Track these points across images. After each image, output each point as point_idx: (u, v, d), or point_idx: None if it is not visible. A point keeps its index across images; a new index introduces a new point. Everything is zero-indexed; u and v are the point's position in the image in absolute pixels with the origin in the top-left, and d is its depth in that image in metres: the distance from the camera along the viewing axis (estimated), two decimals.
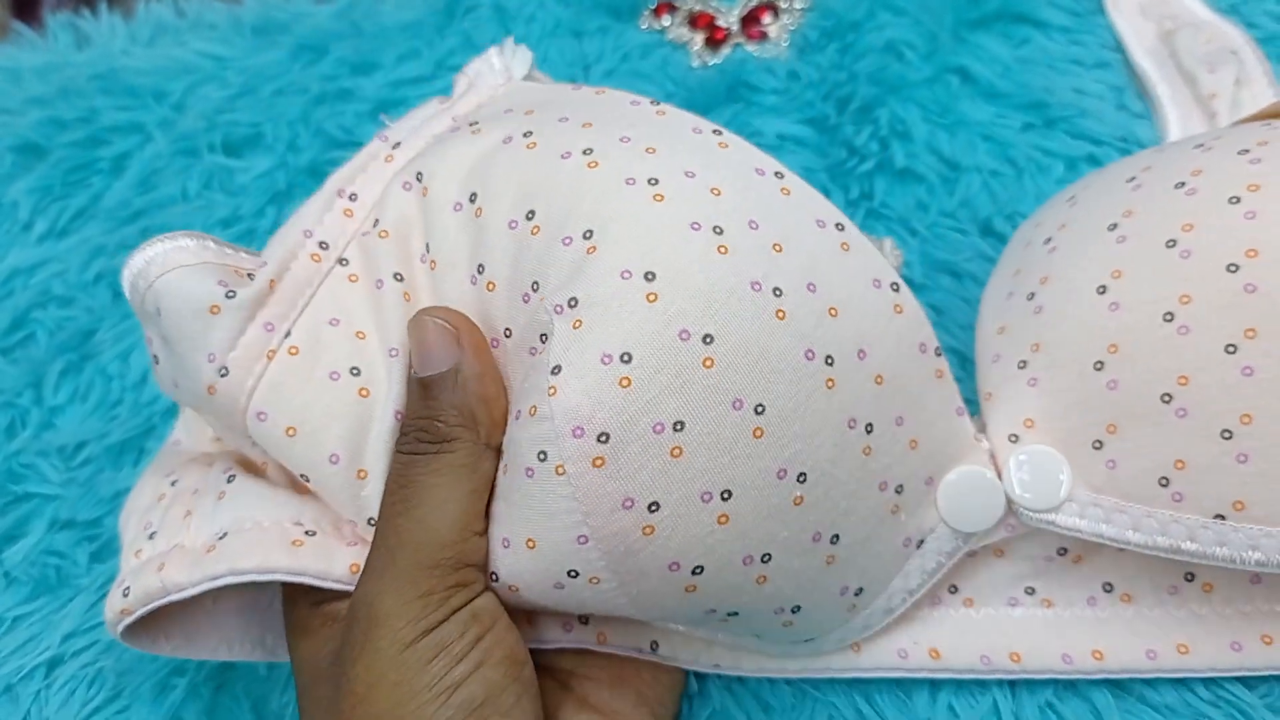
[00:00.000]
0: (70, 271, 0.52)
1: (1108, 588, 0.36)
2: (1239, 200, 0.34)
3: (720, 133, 0.35)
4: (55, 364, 0.49)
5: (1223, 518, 0.33)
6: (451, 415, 0.32)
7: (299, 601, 0.34)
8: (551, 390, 0.29)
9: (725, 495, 0.30)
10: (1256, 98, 0.51)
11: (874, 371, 0.33)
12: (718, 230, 0.31)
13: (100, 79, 0.60)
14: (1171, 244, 0.34)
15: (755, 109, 0.56)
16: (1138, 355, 0.34)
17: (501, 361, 0.33)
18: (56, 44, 0.63)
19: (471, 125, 0.37)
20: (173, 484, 0.36)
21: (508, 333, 0.32)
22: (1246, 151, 0.35)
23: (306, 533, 0.33)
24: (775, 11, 0.60)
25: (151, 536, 0.34)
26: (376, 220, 0.36)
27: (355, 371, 0.34)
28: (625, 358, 0.29)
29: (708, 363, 0.29)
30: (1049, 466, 0.35)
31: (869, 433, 0.33)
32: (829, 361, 0.31)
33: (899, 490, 0.34)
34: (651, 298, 0.29)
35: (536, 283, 0.31)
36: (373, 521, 0.33)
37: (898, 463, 0.34)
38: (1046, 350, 0.36)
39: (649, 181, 0.31)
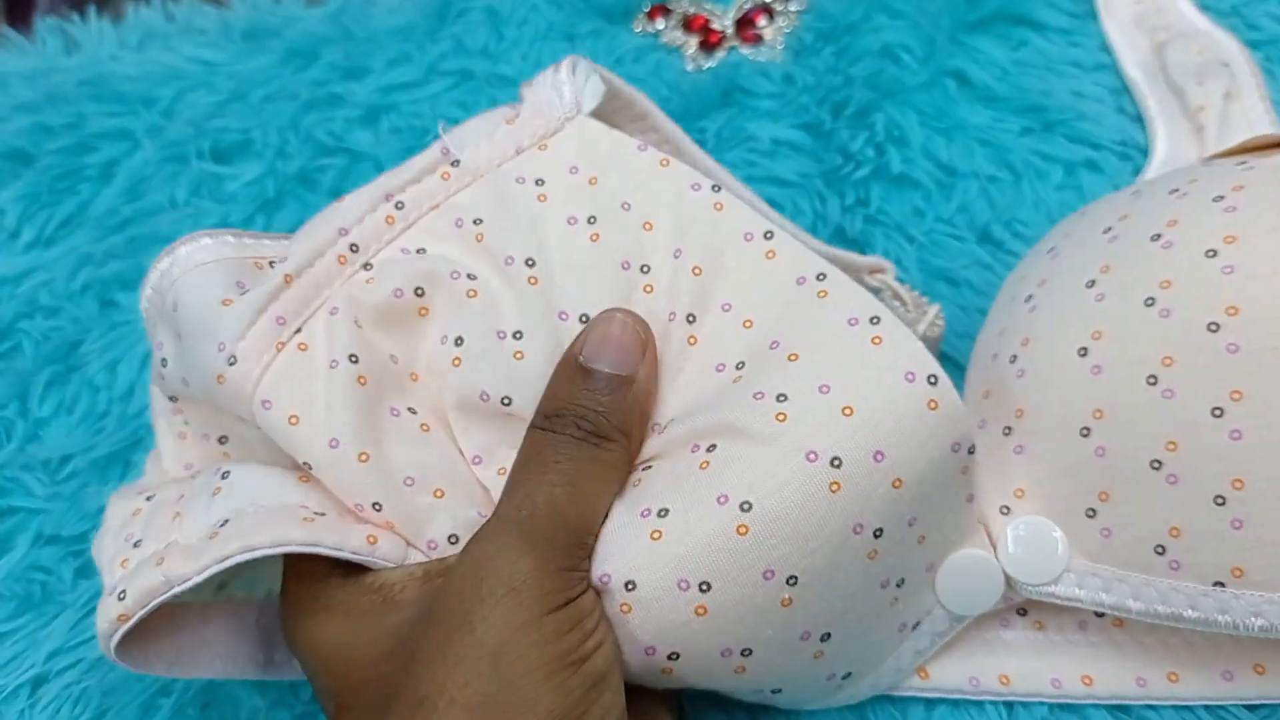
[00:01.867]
0: (57, 281, 0.52)
1: (1099, 612, 0.36)
2: (1216, 254, 0.33)
3: (718, 188, 0.36)
4: (41, 375, 0.48)
5: (1222, 585, 0.32)
6: (618, 417, 0.32)
7: (314, 582, 0.33)
8: None
9: (704, 587, 0.30)
10: (1246, 111, 0.51)
11: (891, 475, 0.31)
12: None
13: (88, 85, 0.60)
14: (1150, 302, 0.33)
15: (750, 113, 0.55)
16: (1124, 421, 0.33)
17: None
18: (45, 49, 0.63)
19: (538, 184, 0.37)
20: (149, 499, 0.35)
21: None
22: (1221, 199, 0.34)
23: (316, 513, 0.32)
24: (770, 14, 0.59)
25: (137, 545, 0.33)
26: (422, 249, 0.36)
27: (354, 359, 0.33)
28: (657, 525, 0.31)
29: (741, 529, 0.30)
30: (1045, 538, 0.35)
31: (877, 537, 0.32)
32: (835, 463, 0.30)
33: (900, 584, 0.34)
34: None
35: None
36: (379, 506, 0.32)
37: (903, 561, 0.34)
38: (1031, 416, 0.35)
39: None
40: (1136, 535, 0.33)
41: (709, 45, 0.59)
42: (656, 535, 0.30)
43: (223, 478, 0.34)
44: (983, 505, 0.36)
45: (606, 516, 0.32)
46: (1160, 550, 0.33)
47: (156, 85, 0.60)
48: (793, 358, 0.33)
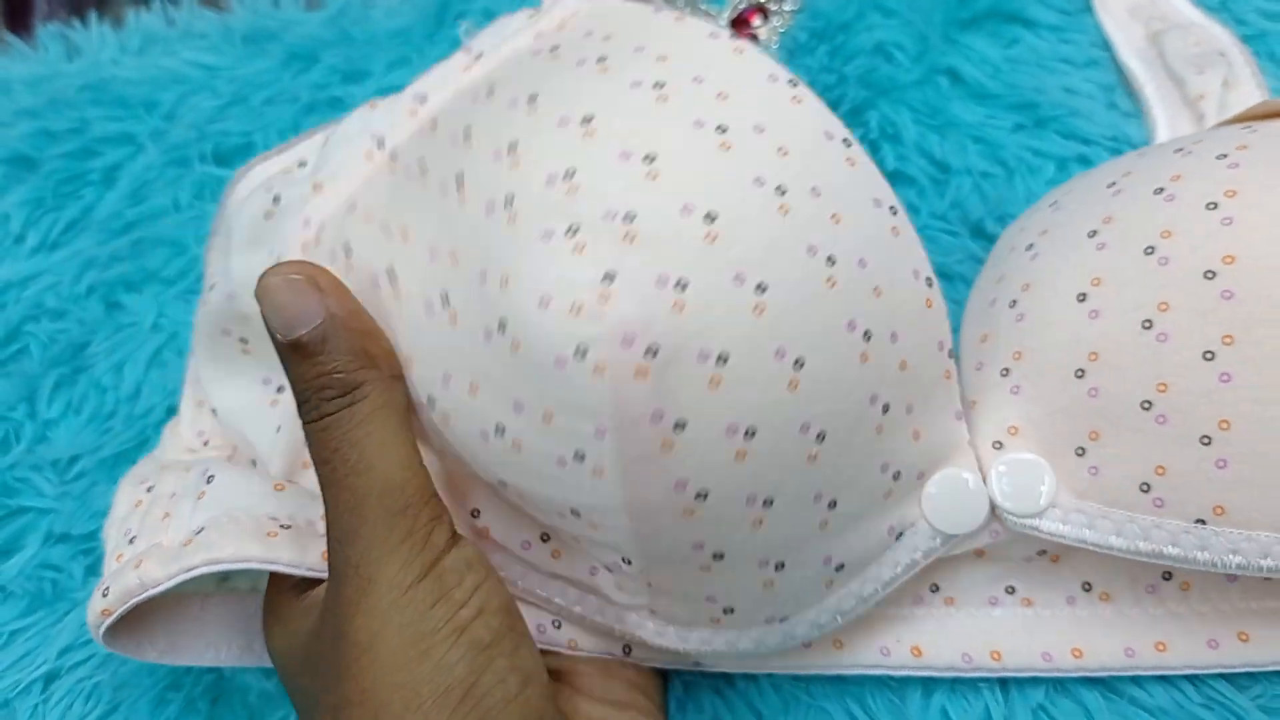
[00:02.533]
0: (63, 284, 0.53)
1: (1086, 587, 0.37)
2: (1216, 206, 0.34)
3: (795, 84, 0.34)
4: (48, 377, 0.49)
5: (1203, 522, 0.33)
6: (348, 362, 0.32)
7: (277, 593, 0.35)
8: (604, 295, 0.29)
9: (749, 433, 0.30)
10: (1244, 99, 0.51)
11: (901, 356, 0.33)
12: (780, 190, 0.31)
13: (90, 89, 0.60)
14: (1150, 251, 0.34)
15: None
16: (1117, 363, 0.34)
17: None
18: (47, 55, 0.63)
19: (551, 49, 0.36)
20: (149, 490, 0.37)
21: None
22: (1225, 156, 0.35)
23: (282, 526, 0.34)
24: (765, 13, 0.60)
25: (131, 541, 0.35)
26: (435, 121, 0.36)
27: (392, 276, 0.34)
28: (680, 285, 0.29)
29: (758, 309, 0.30)
30: (1032, 473, 0.36)
31: (885, 412, 0.33)
32: (866, 336, 0.32)
33: (896, 477, 0.35)
34: (710, 238, 0.30)
35: (572, 170, 0.31)
36: None
37: (902, 449, 0.35)
38: (1028, 358, 0.36)
39: (718, 129, 0.31)
40: (1123, 473, 0.34)
41: None
42: (716, 382, 0.30)
43: (208, 481, 0.36)
44: (977, 442, 0.37)
45: None
46: (1145, 488, 0.34)
47: (158, 89, 0.60)
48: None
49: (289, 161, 0.43)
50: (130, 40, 0.64)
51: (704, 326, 0.29)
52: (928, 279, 0.35)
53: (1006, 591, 0.38)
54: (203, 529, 0.34)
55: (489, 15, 0.61)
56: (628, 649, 0.38)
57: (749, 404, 0.30)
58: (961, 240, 0.49)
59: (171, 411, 0.47)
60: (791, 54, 0.58)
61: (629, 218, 0.29)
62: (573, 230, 0.30)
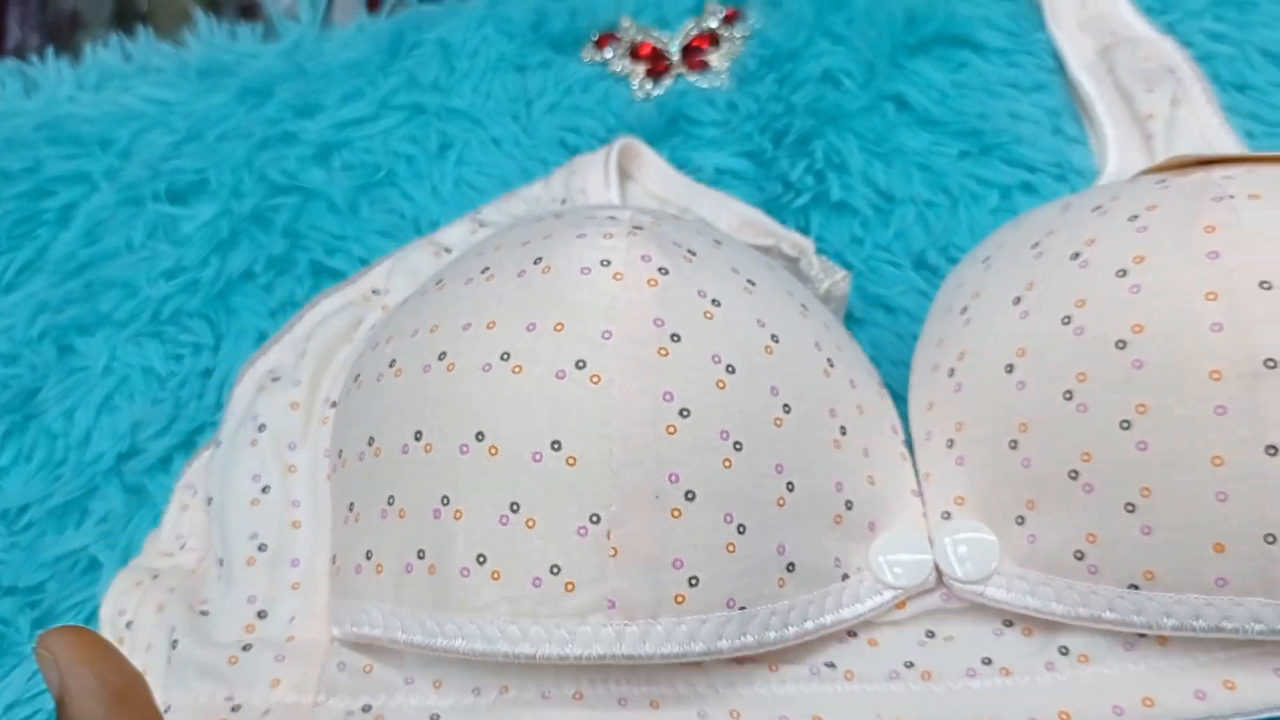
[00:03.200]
0: (16, 328, 0.53)
1: (1064, 650, 0.36)
2: (1125, 273, 0.35)
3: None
4: (0, 425, 0.49)
5: (1136, 587, 0.34)
6: None
7: None
8: (632, 231, 0.37)
9: (730, 368, 0.35)
10: (1195, 115, 0.52)
11: (858, 400, 0.38)
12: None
13: (46, 128, 0.60)
14: (1067, 321, 0.35)
15: (695, 142, 0.56)
16: (1044, 434, 0.35)
17: None
18: (4, 91, 0.64)
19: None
20: (128, 625, 0.39)
21: None
22: (1135, 218, 0.36)
23: (233, 708, 0.36)
24: (716, 40, 0.60)
25: None
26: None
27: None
28: (690, 253, 0.38)
29: (747, 289, 0.38)
30: (979, 542, 0.37)
31: (842, 433, 0.37)
32: (830, 362, 0.38)
33: (848, 506, 0.37)
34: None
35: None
36: None
37: (856, 480, 0.37)
38: (968, 429, 0.38)
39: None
40: (1058, 541, 0.35)
41: (656, 73, 0.60)
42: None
43: (173, 647, 0.37)
44: (929, 510, 0.38)
45: None
46: (1079, 555, 0.35)
47: (114, 126, 0.60)
48: None
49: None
50: (87, 76, 0.64)
51: (707, 271, 0.37)
52: (879, 382, 0.41)
53: (983, 663, 0.37)
54: (169, 708, 0.36)
55: (443, 46, 0.61)
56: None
57: (733, 343, 0.35)
58: (904, 272, 0.49)
59: (122, 458, 0.48)
60: (741, 82, 0.58)
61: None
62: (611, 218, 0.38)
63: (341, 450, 0.39)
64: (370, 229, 0.55)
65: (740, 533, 0.35)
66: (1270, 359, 0.32)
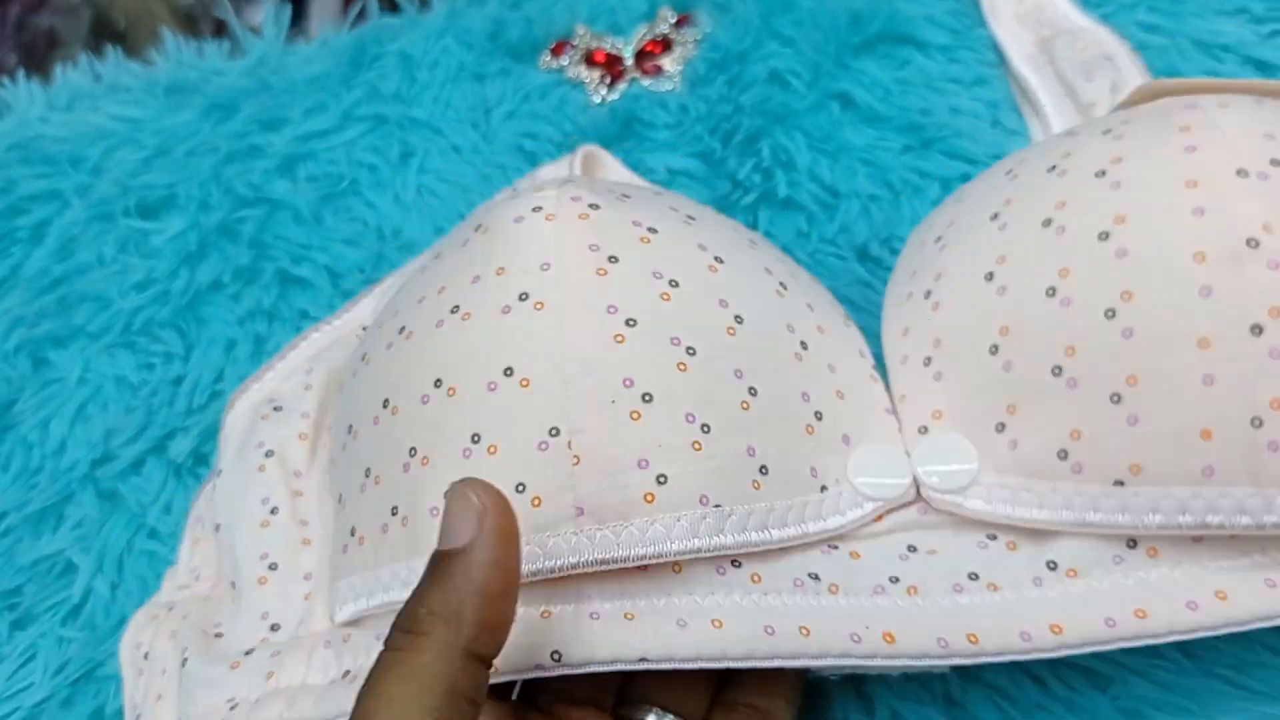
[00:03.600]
0: None
1: (1051, 565, 0.35)
2: (1104, 174, 0.36)
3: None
4: None
5: (1122, 484, 0.34)
6: (437, 602, 0.28)
7: None
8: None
9: (673, 283, 0.36)
10: None
11: (818, 321, 0.39)
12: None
13: (19, 149, 0.62)
14: (1047, 223, 0.36)
15: (648, 144, 0.57)
16: (1027, 333, 0.35)
17: None
18: None
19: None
20: (145, 657, 0.40)
21: None
22: (1109, 130, 0.37)
23: (231, 708, 0.36)
24: (669, 45, 0.62)
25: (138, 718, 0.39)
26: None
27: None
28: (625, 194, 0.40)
29: (689, 219, 0.40)
30: (955, 451, 0.37)
31: (804, 348, 0.38)
32: (783, 286, 0.39)
33: (818, 416, 0.37)
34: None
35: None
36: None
37: (823, 392, 0.37)
38: (946, 343, 0.38)
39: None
40: (1041, 443, 0.35)
41: (611, 78, 0.61)
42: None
43: (183, 665, 0.39)
44: (905, 430, 0.38)
45: None
46: (1063, 455, 0.34)
47: (84, 145, 0.62)
48: None
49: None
50: (58, 97, 0.65)
51: (638, 207, 0.38)
52: (844, 314, 0.42)
53: (970, 578, 0.36)
54: None
55: (404, 58, 0.63)
56: (557, 655, 0.33)
57: (672, 259, 0.36)
58: (849, 264, 0.51)
59: (95, 464, 0.49)
60: (693, 85, 0.60)
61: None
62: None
63: (333, 458, 0.41)
64: (335, 238, 0.57)
65: (705, 431, 0.34)
66: (1252, 238, 0.32)
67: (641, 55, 0.62)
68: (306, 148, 0.60)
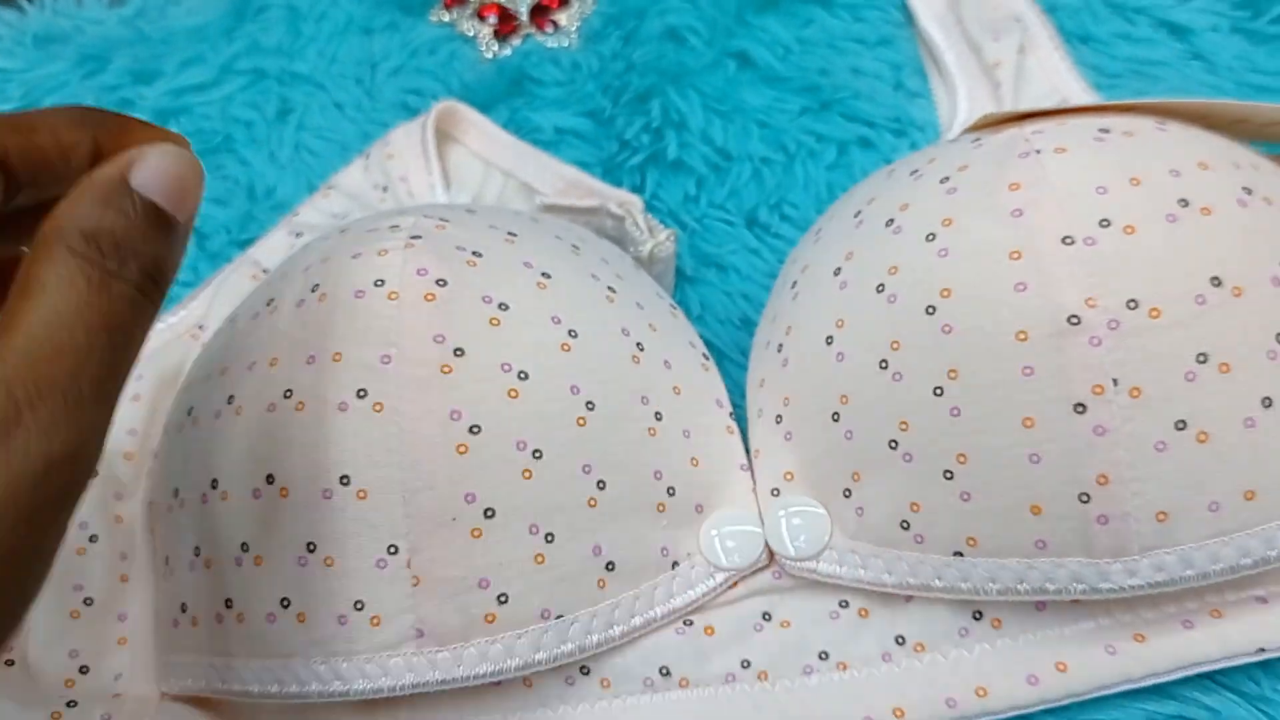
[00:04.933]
0: None
1: (900, 640, 0.35)
2: (934, 237, 0.34)
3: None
4: None
5: (960, 554, 0.33)
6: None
7: None
8: (409, 245, 0.35)
9: (523, 375, 0.33)
10: (1042, 63, 0.51)
11: (674, 382, 0.37)
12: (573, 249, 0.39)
13: None
14: (881, 289, 0.34)
15: (537, 102, 0.55)
16: (863, 404, 0.34)
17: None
18: None
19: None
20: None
21: None
22: (946, 180, 0.35)
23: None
24: (566, 0, 0.59)
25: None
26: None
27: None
28: (477, 252, 0.36)
29: (540, 284, 0.36)
30: (809, 517, 0.36)
31: (658, 420, 0.35)
32: (640, 347, 0.36)
33: (670, 492, 0.35)
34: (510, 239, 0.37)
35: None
36: None
37: (677, 465, 0.36)
38: (794, 403, 0.37)
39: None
40: (885, 512, 0.35)
41: (504, 33, 0.58)
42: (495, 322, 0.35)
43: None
44: (758, 488, 0.37)
45: None
46: (905, 525, 0.34)
47: None
48: None
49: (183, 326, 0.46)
50: None
51: (490, 274, 0.35)
52: (704, 353, 0.39)
53: (820, 657, 0.36)
54: None
55: (290, 10, 0.60)
56: None
57: (523, 347, 0.34)
58: (737, 230, 0.48)
59: None
60: (587, 40, 0.57)
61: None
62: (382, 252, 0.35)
63: (152, 501, 0.38)
64: (204, 196, 0.53)
65: (549, 541, 0.33)
66: (1074, 315, 0.31)
67: (537, 10, 0.59)
68: (180, 102, 0.57)
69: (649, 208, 0.49)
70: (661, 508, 0.35)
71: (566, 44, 0.57)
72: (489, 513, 0.33)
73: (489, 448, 0.33)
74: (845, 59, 0.53)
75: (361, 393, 0.32)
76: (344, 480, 0.32)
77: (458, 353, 0.33)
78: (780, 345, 0.38)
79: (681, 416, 0.36)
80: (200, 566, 0.35)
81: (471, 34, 0.59)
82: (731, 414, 0.38)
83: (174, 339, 0.45)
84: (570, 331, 0.35)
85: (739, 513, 0.37)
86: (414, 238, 0.35)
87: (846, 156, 0.50)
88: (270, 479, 0.33)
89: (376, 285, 0.34)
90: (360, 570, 0.33)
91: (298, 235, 0.49)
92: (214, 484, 0.34)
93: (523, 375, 0.33)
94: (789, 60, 0.53)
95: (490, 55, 0.58)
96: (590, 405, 0.34)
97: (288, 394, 0.33)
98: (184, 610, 0.35)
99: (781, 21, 0.55)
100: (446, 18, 0.60)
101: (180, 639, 0.36)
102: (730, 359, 0.44)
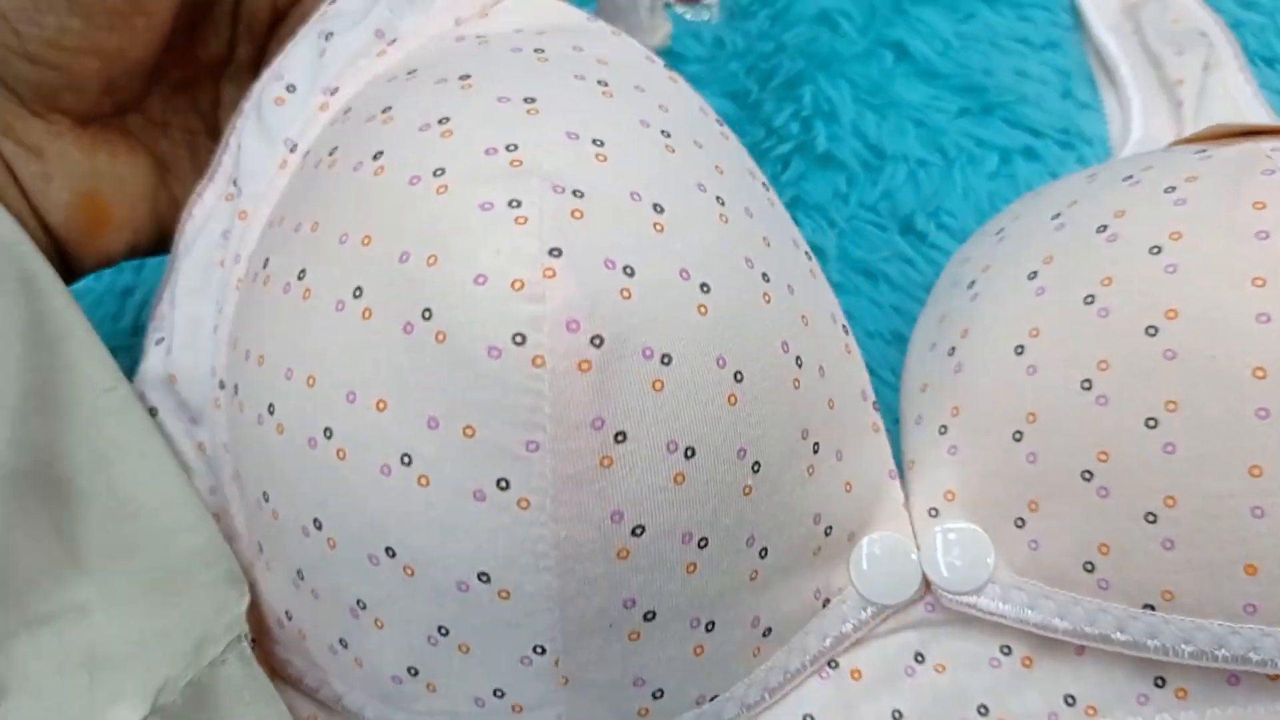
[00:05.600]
0: None
1: (1070, 700, 0.32)
2: (1160, 250, 0.30)
3: (720, 122, 0.35)
4: None
5: (1152, 608, 0.30)
6: None
7: None
8: (549, 272, 0.27)
9: (689, 453, 0.28)
10: (1225, 82, 0.48)
11: (829, 393, 0.31)
12: (720, 200, 0.30)
13: None
14: (1090, 300, 0.31)
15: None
16: (1056, 426, 0.31)
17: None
18: None
19: (479, 39, 0.35)
20: None
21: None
22: (1173, 190, 0.32)
23: None
24: None
25: None
26: (349, 108, 0.34)
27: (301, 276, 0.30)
28: (628, 270, 0.27)
29: (702, 309, 0.28)
30: (971, 545, 0.32)
31: (815, 452, 0.31)
32: (798, 362, 0.30)
33: (827, 532, 0.32)
34: (658, 228, 0.28)
35: (514, 144, 0.29)
36: None
37: (834, 499, 0.32)
38: (965, 415, 0.33)
39: (662, 133, 0.31)
40: (1065, 549, 0.31)
41: None
42: (659, 386, 0.28)
43: None
44: (913, 506, 0.34)
45: None
46: (1089, 567, 0.31)
47: None
48: None
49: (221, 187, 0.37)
50: None
51: (650, 318, 0.27)
52: (843, 326, 0.34)
53: (979, 712, 0.33)
54: None
55: None
56: None
57: (690, 416, 0.28)
58: (889, 235, 0.45)
59: None
60: (731, 16, 0.54)
61: (577, 194, 0.28)
62: (515, 203, 0.27)
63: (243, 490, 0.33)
64: None
65: (709, 631, 0.30)
66: None
67: None
68: None
69: (795, 202, 0.47)
70: (818, 551, 0.32)
71: (708, 18, 0.54)
72: (649, 616, 0.29)
73: (652, 549, 0.28)
74: (1009, 59, 0.50)
75: (503, 484, 0.27)
76: (483, 578, 0.28)
77: (619, 438, 0.27)
78: (952, 348, 0.34)
79: (835, 436, 0.32)
80: (306, 591, 0.31)
81: None
82: (875, 404, 0.34)
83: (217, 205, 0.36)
84: (736, 375, 0.28)
85: (893, 538, 0.33)
86: (553, 251, 0.27)
87: (1009, 166, 0.47)
88: (391, 552, 0.28)
89: (516, 343, 0.26)
90: (501, 662, 0.29)
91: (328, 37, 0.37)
92: (317, 523, 0.29)
93: (690, 453, 0.28)
94: (948, 55, 0.50)
95: None
96: (757, 468, 0.29)
97: (406, 460, 0.27)
98: (289, 618, 0.32)
99: (940, 13, 0.52)
100: None
101: (287, 640, 0.33)
102: (879, 377, 0.41)
